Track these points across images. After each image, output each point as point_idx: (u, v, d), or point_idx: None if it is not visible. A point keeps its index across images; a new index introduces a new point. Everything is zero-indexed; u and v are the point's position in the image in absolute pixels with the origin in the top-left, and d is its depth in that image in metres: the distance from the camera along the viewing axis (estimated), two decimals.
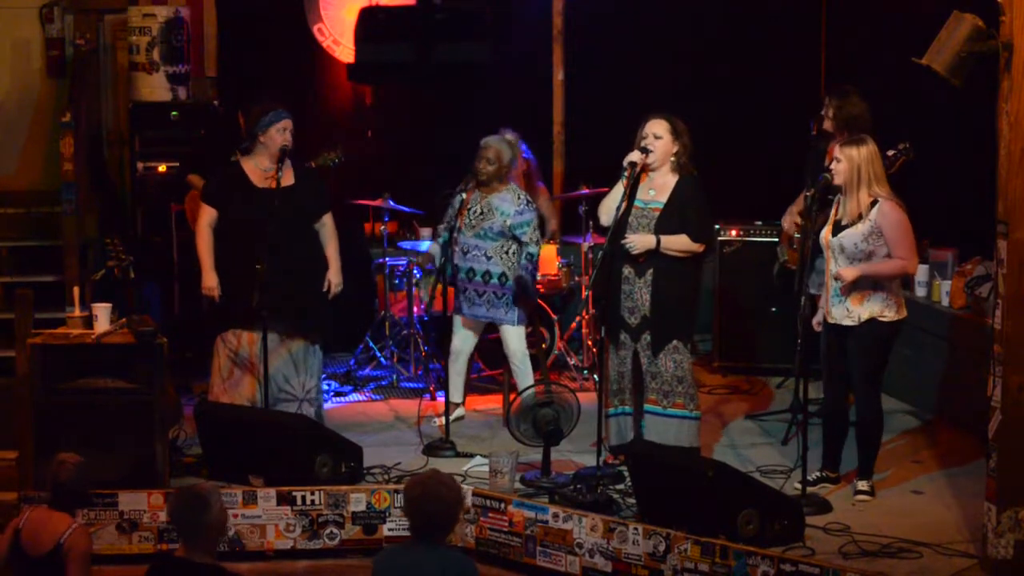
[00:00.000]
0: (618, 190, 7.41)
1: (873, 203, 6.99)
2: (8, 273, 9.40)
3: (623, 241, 7.33)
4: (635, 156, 7.34)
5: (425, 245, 9.54)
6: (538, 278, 8.86)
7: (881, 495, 7.28)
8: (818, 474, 7.35)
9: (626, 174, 7.35)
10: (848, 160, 7.02)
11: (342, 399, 9.25)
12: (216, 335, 7.91)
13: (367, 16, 10.85)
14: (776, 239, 9.13)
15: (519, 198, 8.29)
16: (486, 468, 7.38)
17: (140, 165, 9.77)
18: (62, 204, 8.92)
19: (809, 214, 7.21)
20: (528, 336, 8.53)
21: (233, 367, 7.86)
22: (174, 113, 9.78)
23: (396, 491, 7.19)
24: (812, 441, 7.12)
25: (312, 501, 7.20)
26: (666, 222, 7.33)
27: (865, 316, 7.05)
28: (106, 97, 10.27)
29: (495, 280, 8.28)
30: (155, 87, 9.81)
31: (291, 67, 10.88)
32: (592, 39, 10.76)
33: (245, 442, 7.39)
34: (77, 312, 7.57)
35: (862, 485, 7.24)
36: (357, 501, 7.21)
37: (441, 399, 8.53)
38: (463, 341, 8.50)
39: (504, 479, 7.22)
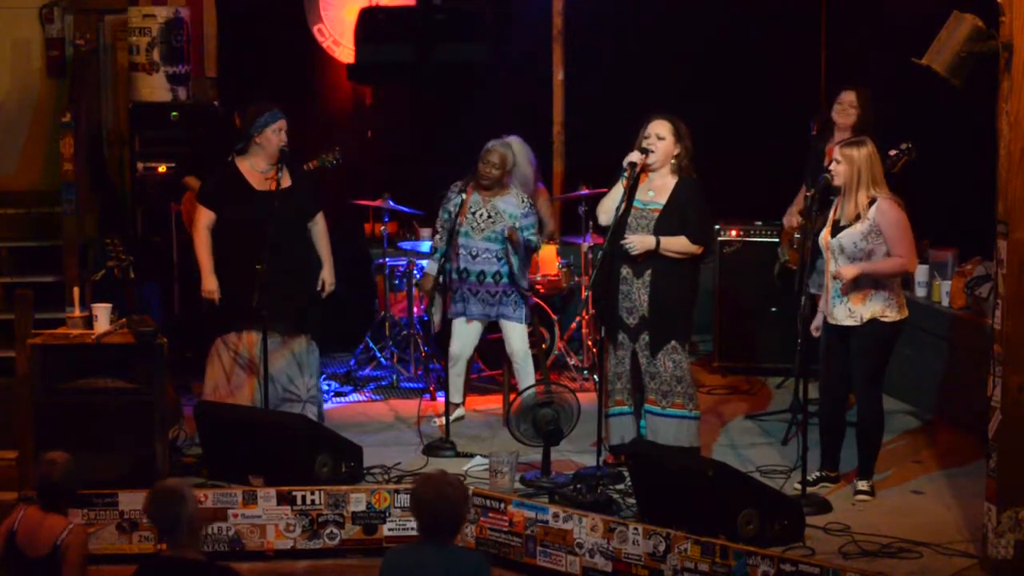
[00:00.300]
0: (617, 190, 7.40)
1: (871, 202, 6.99)
2: (8, 273, 9.39)
3: (623, 242, 7.32)
4: (635, 156, 7.34)
5: (425, 246, 9.54)
6: (537, 279, 8.86)
7: (881, 495, 7.28)
8: (818, 474, 7.35)
9: (626, 174, 7.35)
10: (848, 161, 7.01)
11: (342, 399, 9.25)
12: (215, 337, 7.90)
13: (367, 16, 10.83)
14: (776, 239, 9.13)
15: (523, 201, 8.37)
16: (486, 468, 7.38)
17: (140, 165, 9.77)
18: (62, 204, 8.91)
19: (809, 214, 7.21)
20: (528, 336, 8.54)
21: (236, 368, 7.86)
22: (174, 113, 9.77)
23: (396, 491, 7.20)
24: (812, 441, 7.12)
25: (312, 501, 7.20)
26: (665, 223, 7.33)
27: (867, 316, 7.04)
28: (106, 97, 10.26)
29: (505, 280, 8.32)
30: (155, 87, 9.81)
31: (291, 67, 10.86)
32: (592, 39, 10.74)
33: (245, 442, 7.38)
34: (77, 312, 7.57)
35: (862, 485, 7.24)
36: (357, 501, 7.20)
37: (441, 399, 8.53)
38: (463, 346, 8.50)
39: (504, 479, 7.22)
